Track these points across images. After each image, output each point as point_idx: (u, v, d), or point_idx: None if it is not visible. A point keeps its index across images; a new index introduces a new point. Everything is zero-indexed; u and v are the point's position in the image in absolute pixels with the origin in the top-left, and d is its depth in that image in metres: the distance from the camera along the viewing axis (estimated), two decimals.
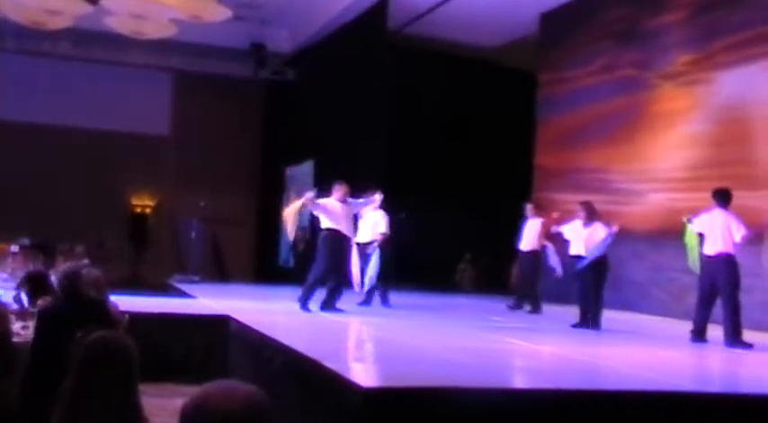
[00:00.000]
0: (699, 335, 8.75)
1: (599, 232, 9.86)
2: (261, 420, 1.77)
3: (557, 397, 5.10)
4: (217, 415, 1.74)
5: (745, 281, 8.91)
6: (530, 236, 12.14)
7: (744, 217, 8.92)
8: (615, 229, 9.89)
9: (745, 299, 9.32)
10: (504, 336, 8.59)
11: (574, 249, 10.22)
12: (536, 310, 11.99)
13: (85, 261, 11.32)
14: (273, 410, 1.83)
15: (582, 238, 9.99)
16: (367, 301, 11.54)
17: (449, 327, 9.52)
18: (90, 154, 19.55)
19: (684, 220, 9.08)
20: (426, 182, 15.43)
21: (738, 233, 8.60)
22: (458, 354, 6.95)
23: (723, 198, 8.86)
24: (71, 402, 2.43)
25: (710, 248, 8.72)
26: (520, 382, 6.25)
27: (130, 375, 2.52)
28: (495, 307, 12.67)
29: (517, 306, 12.29)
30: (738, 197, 9.58)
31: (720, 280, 8.63)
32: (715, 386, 6.61)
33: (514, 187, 14.99)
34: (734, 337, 8.43)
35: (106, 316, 4.71)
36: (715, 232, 8.68)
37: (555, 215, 11.68)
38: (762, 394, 5.57)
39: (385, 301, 11.69)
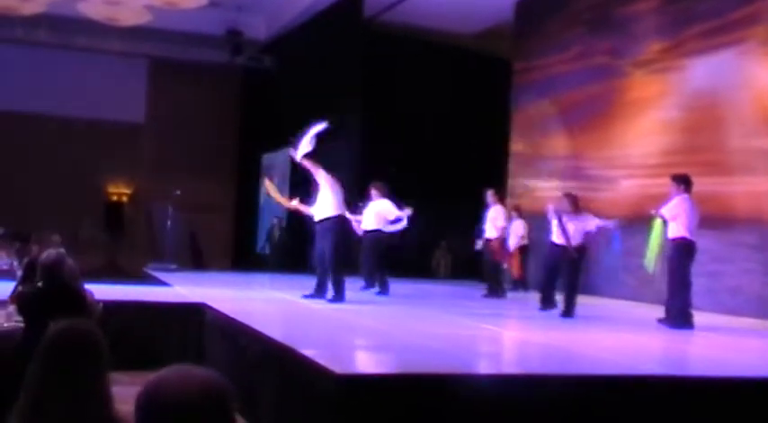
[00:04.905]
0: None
1: (590, 222, 9.78)
2: (220, 407, 1.68)
3: (528, 382, 5.19)
4: (172, 402, 1.65)
5: (713, 266, 9.05)
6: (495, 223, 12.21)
7: (715, 202, 9.05)
8: (611, 224, 9.94)
9: (714, 284, 9.47)
10: (478, 322, 8.69)
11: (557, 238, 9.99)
12: (501, 294, 12.23)
13: (62, 250, 11.31)
14: (234, 396, 1.73)
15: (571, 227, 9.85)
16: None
17: (425, 313, 9.61)
18: (65, 142, 19.45)
19: (653, 212, 9.09)
20: (402, 168, 15.47)
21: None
22: (432, 340, 7.02)
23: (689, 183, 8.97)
24: (36, 392, 2.38)
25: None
26: (492, 367, 6.35)
27: (97, 364, 2.45)
28: (471, 294, 12.76)
29: (496, 293, 12.38)
30: (710, 183, 9.70)
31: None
32: (684, 370, 6.73)
33: (490, 174, 15.06)
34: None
35: (83, 304, 4.72)
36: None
37: None
38: (731, 377, 5.69)
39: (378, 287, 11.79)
